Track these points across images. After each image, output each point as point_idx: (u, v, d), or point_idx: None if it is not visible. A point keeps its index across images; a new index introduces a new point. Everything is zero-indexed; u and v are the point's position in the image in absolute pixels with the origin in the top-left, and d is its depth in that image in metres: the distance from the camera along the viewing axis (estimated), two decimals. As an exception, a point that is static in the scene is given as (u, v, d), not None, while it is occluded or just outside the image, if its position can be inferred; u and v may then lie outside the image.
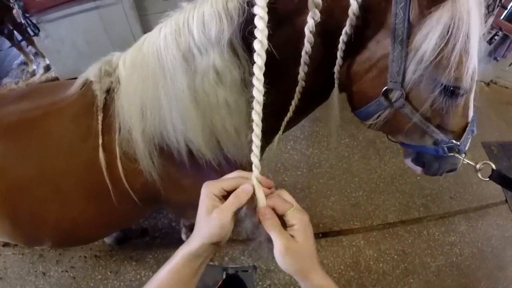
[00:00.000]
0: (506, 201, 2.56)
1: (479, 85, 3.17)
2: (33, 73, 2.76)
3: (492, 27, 2.89)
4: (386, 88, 0.61)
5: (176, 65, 0.63)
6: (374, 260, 1.93)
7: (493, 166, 0.70)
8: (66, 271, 1.76)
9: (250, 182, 0.49)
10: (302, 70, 0.61)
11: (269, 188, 0.50)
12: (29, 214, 0.86)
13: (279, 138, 0.79)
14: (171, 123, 0.69)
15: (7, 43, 2.59)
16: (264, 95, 0.47)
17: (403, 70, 0.57)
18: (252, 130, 0.48)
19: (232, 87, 0.63)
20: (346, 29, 0.55)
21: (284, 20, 0.56)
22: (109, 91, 0.78)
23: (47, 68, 2.75)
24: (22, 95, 0.94)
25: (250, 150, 0.49)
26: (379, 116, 0.67)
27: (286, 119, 0.74)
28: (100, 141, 0.78)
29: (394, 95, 0.61)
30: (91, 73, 0.81)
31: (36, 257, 1.80)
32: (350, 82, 0.67)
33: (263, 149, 0.89)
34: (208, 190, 0.48)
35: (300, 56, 0.59)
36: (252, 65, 0.48)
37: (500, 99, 3.29)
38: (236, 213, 0.48)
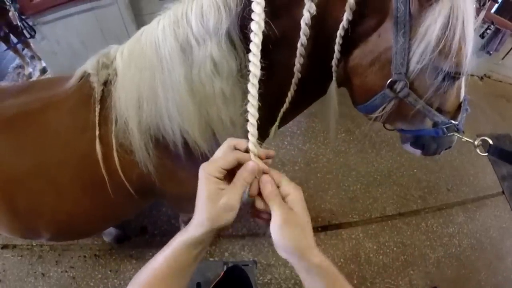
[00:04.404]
0: (503, 192, 2.58)
1: (473, 80, 3.20)
2: (29, 76, 2.76)
3: (484, 21, 2.93)
4: (391, 80, 0.62)
5: (173, 56, 0.63)
6: (374, 253, 1.94)
7: (490, 142, 0.72)
8: (66, 271, 1.75)
9: (249, 157, 0.47)
10: (298, 62, 0.62)
11: (268, 158, 0.50)
12: (26, 206, 0.87)
13: (275, 130, 0.80)
14: (167, 114, 0.69)
15: (3, 46, 2.59)
16: (260, 83, 0.49)
17: (406, 61, 0.58)
18: (248, 101, 0.49)
19: (228, 78, 0.63)
20: (343, 23, 0.57)
21: (280, 11, 0.57)
22: (106, 83, 0.79)
23: (43, 71, 2.76)
24: (21, 89, 0.95)
25: (246, 119, 0.49)
26: (384, 108, 0.67)
27: (282, 110, 0.74)
28: (97, 132, 0.78)
29: (399, 86, 0.62)
30: (89, 65, 0.81)
31: (35, 258, 1.79)
32: (351, 76, 0.67)
33: (260, 139, 0.90)
34: (207, 172, 0.45)
35: (296, 48, 0.60)
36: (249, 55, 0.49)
37: (494, 93, 3.33)
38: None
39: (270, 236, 0.45)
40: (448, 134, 0.72)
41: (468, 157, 2.62)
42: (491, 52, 3.17)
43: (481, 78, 3.48)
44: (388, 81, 0.62)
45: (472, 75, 3.38)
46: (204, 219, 0.44)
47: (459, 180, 2.47)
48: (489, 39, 3.12)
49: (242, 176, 0.46)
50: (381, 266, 1.91)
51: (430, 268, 1.98)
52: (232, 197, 0.44)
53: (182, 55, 0.63)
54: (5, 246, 1.82)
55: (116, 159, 0.79)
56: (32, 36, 2.14)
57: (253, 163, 0.47)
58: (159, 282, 0.45)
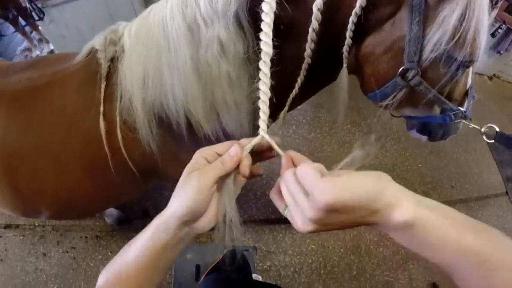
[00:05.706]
0: (507, 193, 2.55)
1: (482, 79, 3.15)
2: (37, 59, 2.78)
3: (495, 20, 2.88)
4: (403, 68, 0.62)
5: (180, 35, 0.63)
6: (374, 245, 1.94)
7: (497, 129, 0.72)
8: (67, 251, 1.77)
9: (242, 144, 0.45)
10: (309, 47, 0.62)
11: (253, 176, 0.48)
12: (28, 182, 0.87)
13: (284, 115, 0.79)
14: (172, 93, 0.69)
15: (11, 29, 2.60)
16: (271, 64, 0.48)
17: (420, 49, 0.58)
18: (259, 79, 0.49)
19: (235, 60, 0.63)
20: (356, 9, 0.56)
21: None
22: (113, 60, 0.79)
23: (51, 54, 2.76)
24: (30, 64, 0.95)
25: (258, 96, 0.49)
26: (395, 96, 0.67)
27: (291, 95, 0.74)
28: (101, 109, 0.78)
29: (410, 74, 0.62)
30: (96, 41, 0.81)
31: (37, 238, 1.81)
32: (363, 64, 0.67)
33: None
34: (200, 153, 0.44)
35: (307, 33, 0.59)
36: (257, 39, 0.50)
37: (502, 93, 3.28)
38: (220, 187, 0.44)
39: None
40: (456, 121, 0.72)
41: (474, 156, 2.60)
42: (502, 52, 3.11)
43: (490, 78, 3.42)
44: (400, 69, 0.62)
45: (481, 74, 3.34)
46: (173, 204, 0.43)
47: (463, 178, 2.44)
48: (500, 39, 3.07)
49: (221, 158, 0.43)
50: (381, 259, 1.90)
51: (430, 263, 1.97)
52: (202, 176, 0.41)
53: (189, 35, 0.62)
54: (8, 226, 1.84)
55: (119, 136, 0.79)
56: (40, 19, 2.14)
57: (236, 147, 0.44)
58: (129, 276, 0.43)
